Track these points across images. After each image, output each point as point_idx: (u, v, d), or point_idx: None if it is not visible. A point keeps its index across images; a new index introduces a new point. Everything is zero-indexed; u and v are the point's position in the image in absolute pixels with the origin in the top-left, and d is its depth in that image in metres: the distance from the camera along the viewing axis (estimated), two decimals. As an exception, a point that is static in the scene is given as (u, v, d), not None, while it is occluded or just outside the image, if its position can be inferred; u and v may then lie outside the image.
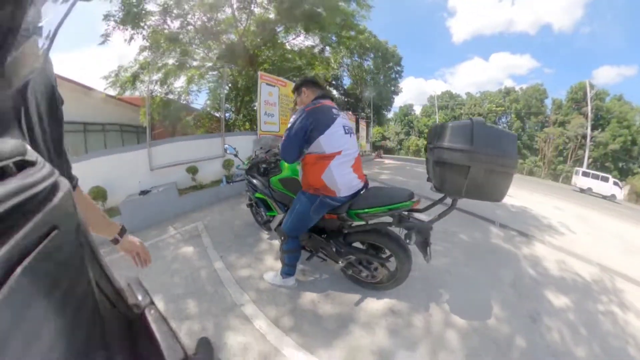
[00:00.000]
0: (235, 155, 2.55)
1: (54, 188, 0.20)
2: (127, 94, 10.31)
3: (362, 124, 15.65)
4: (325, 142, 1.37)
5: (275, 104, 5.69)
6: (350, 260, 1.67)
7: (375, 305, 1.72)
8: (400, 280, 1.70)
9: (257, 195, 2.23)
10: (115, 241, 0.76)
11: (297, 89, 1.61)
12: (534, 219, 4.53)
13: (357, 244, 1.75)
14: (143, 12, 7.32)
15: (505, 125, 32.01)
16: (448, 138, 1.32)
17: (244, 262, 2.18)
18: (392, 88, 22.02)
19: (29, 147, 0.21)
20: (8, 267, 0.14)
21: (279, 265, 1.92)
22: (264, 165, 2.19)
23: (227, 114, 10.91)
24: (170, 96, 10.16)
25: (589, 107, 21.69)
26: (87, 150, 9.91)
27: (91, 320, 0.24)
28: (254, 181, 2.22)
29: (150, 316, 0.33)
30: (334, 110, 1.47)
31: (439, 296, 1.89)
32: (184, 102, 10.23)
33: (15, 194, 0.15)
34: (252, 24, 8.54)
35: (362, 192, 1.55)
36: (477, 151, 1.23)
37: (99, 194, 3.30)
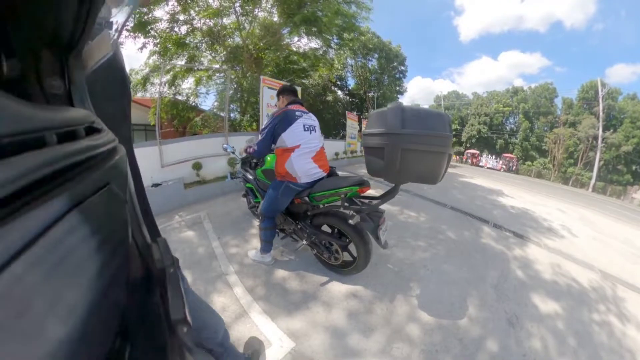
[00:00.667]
0: (233, 153, 2.73)
1: (112, 151, 0.25)
2: (138, 95, 10.59)
3: (365, 124, 15.49)
4: (287, 137, 1.67)
5: (277, 106, 5.71)
6: (314, 240, 1.87)
7: (339, 288, 1.85)
8: (360, 266, 1.79)
9: (247, 185, 2.52)
10: None
11: (277, 96, 1.94)
12: (534, 221, 4.34)
13: (326, 228, 1.91)
14: (152, 19, 7.53)
15: (513, 126, 31.08)
16: (368, 124, 1.45)
17: (235, 242, 2.50)
18: (397, 88, 21.78)
19: (96, 117, 0.25)
20: (67, 207, 0.17)
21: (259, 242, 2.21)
22: (254, 160, 2.46)
23: (232, 115, 11.09)
24: (179, 97, 10.39)
25: (600, 107, 20.81)
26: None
27: (121, 264, 0.27)
28: (246, 173, 2.50)
29: (168, 274, 0.36)
30: (298, 113, 1.73)
31: (408, 289, 1.90)
32: (193, 104, 10.47)
33: (81, 152, 0.19)
34: (257, 27, 8.63)
35: (322, 179, 1.77)
36: (390, 132, 1.26)
37: None
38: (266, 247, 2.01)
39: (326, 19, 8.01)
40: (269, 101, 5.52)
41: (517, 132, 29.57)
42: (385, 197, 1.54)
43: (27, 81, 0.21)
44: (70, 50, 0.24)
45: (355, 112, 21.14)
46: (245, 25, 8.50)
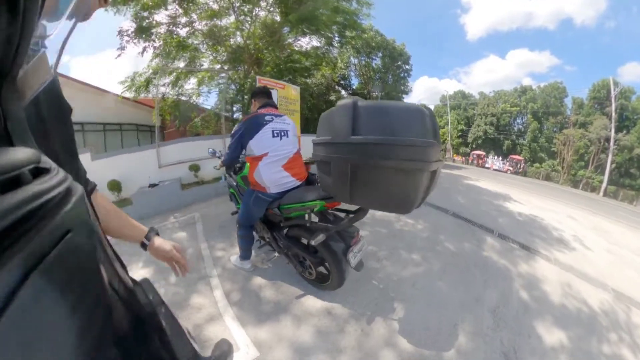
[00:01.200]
0: (219, 158, 2.62)
1: (67, 193, 0.21)
2: (142, 96, 10.72)
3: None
4: (254, 145, 1.59)
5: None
6: (287, 252, 1.82)
7: (314, 303, 1.75)
8: (334, 283, 1.66)
9: (231, 190, 2.48)
10: (143, 245, 0.68)
11: (250, 99, 1.89)
12: (543, 230, 3.98)
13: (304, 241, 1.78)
14: (153, 23, 7.56)
15: (521, 126, 30.28)
16: (317, 132, 1.17)
17: (222, 245, 2.57)
18: (402, 87, 21.42)
19: (43, 155, 0.22)
20: (25, 272, 0.14)
21: None
22: (237, 165, 2.37)
23: (236, 115, 11.05)
24: (183, 98, 10.48)
25: (613, 107, 19.99)
26: (106, 148, 10.38)
27: (104, 319, 0.25)
28: (229, 178, 2.48)
29: (161, 315, 0.34)
30: (268, 117, 1.62)
31: (390, 311, 1.72)
32: (194, 103, 10.52)
33: (31, 200, 0.16)
34: (258, 27, 8.54)
35: (294, 189, 1.65)
36: (334, 141, 0.95)
37: (115, 186, 3.81)
38: (245, 254, 2.00)
39: (324, 17, 7.87)
40: (266, 102, 5.38)
41: (525, 133, 28.80)
42: (353, 218, 1.36)
43: None
44: (2, 79, 0.21)
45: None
46: (246, 25, 8.42)
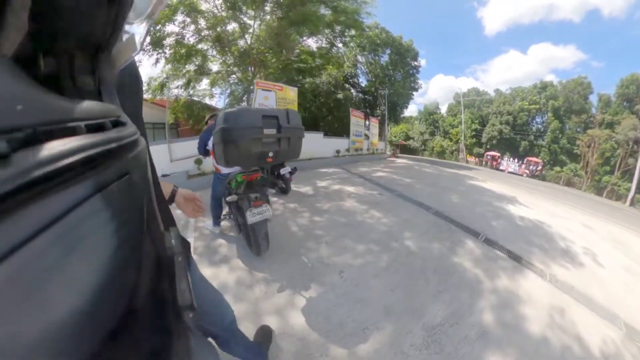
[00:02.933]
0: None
1: (134, 143, 0.26)
2: (157, 97, 11.45)
3: (374, 122, 14.91)
4: (210, 142, 2.21)
5: (272, 106, 5.66)
6: (233, 219, 2.45)
7: (246, 262, 2.12)
8: (253, 249, 2.05)
9: None
10: (173, 194, 0.88)
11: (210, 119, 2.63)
12: (546, 239, 3.36)
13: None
14: (165, 35, 8.11)
15: (540, 126, 28.32)
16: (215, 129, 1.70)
17: (205, 218, 2.96)
18: (412, 84, 20.79)
19: (122, 112, 0.28)
20: (92, 192, 0.19)
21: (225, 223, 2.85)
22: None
23: None
24: (195, 98, 11.04)
25: (645, 106, 18.17)
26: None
27: (133, 249, 0.30)
28: None
29: (176, 262, 0.40)
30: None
31: (303, 287, 1.82)
32: (206, 104, 11.05)
33: (108, 142, 0.21)
34: (263, 29, 8.69)
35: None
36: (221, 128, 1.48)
37: None
38: (215, 221, 2.64)
39: (325, 17, 7.96)
40: (262, 101, 5.52)
41: (545, 133, 26.83)
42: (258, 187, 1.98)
43: (62, 77, 0.24)
44: (101, 51, 0.27)
45: (367, 110, 20.60)
46: (251, 29, 8.62)
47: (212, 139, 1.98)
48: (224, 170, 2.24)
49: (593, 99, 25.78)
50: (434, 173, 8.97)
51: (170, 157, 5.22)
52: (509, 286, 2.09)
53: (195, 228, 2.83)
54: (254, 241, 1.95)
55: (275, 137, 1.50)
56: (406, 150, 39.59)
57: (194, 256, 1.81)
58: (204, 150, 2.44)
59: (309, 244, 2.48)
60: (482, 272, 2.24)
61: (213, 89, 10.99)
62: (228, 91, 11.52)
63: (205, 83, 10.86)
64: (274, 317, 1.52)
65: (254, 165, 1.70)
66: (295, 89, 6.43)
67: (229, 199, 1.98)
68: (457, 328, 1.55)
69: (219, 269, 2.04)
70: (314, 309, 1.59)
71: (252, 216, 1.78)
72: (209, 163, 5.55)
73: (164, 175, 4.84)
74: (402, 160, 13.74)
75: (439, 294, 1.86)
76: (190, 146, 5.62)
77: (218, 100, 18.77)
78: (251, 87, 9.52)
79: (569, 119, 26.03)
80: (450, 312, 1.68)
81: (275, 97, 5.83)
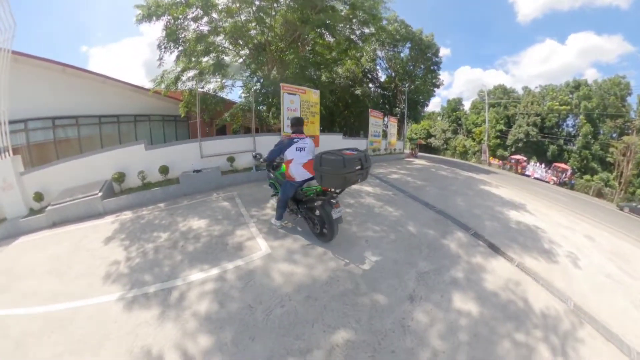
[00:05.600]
0: (259, 159, 4.19)
1: None
2: (171, 89, 12.46)
3: (393, 121, 16.07)
4: (287, 154, 3.28)
5: (297, 109, 7.00)
6: (304, 216, 3.50)
7: (307, 238, 3.57)
8: (328, 236, 3.25)
9: (270, 180, 4.12)
10: None
11: (290, 126, 3.76)
12: (534, 240, 4.19)
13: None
14: (182, 30, 9.51)
15: (571, 129, 28.83)
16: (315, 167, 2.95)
17: (255, 210, 4.64)
18: (433, 80, 21.87)
19: None
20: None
21: (270, 211, 4.47)
22: (275, 164, 4.00)
23: (260, 107, 12.54)
24: (211, 91, 11.97)
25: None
26: (137, 137, 12.51)
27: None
28: (269, 173, 4.06)
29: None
30: (295, 140, 3.29)
31: (344, 249, 3.34)
32: (222, 97, 12.08)
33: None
34: (278, 20, 9.82)
35: (308, 179, 3.29)
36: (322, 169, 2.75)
37: (164, 169, 5.94)
38: (279, 216, 3.74)
39: (342, 12, 9.12)
40: (289, 105, 6.82)
41: (576, 137, 27.22)
42: (329, 196, 3.10)
43: None
44: None
45: (386, 106, 21.68)
46: (267, 20, 9.71)
47: (291, 150, 3.18)
48: (299, 179, 3.27)
49: (632, 100, 25.81)
50: (448, 176, 10.08)
51: (201, 154, 6.44)
52: (479, 262, 3.29)
53: (250, 217, 4.32)
54: (329, 230, 3.13)
55: (360, 171, 2.77)
56: (427, 149, 39.98)
57: (261, 235, 3.59)
58: (276, 157, 3.43)
59: (343, 226, 3.82)
60: (462, 252, 3.50)
61: (224, 81, 12.01)
62: (240, 82, 12.57)
63: (218, 77, 11.93)
64: (332, 262, 3.06)
65: (346, 187, 2.90)
66: (317, 91, 7.68)
67: (317, 203, 3.11)
68: (437, 275, 2.93)
69: (286, 242, 3.50)
70: (352, 256, 3.22)
71: (335, 214, 2.99)
72: (241, 162, 7.06)
73: (195, 171, 6.03)
74: (419, 162, 14.74)
75: (428, 258, 3.23)
76: (219, 144, 6.90)
77: (229, 92, 19.91)
78: (256, 85, 10.75)
79: (603, 123, 26.22)
80: (434, 267, 3.05)
81: (299, 100, 7.11)
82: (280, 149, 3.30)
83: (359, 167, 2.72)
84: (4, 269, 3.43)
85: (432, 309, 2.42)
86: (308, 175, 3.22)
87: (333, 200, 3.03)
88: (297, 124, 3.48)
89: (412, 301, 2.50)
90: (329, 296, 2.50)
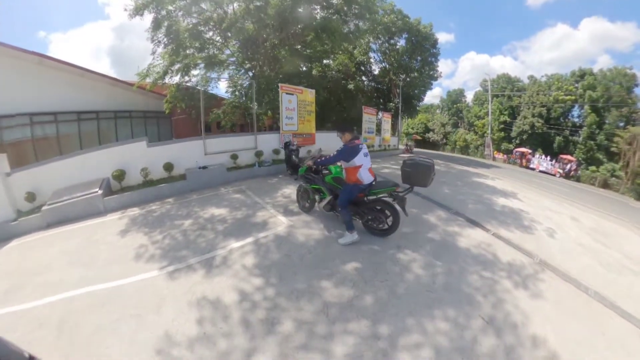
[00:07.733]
0: (292, 148, 5.84)
1: None
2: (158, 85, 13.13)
3: (387, 117, 17.41)
4: (356, 160, 3.82)
5: (294, 109, 8.27)
6: (368, 216, 4.17)
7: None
8: (393, 230, 4.05)
9: (313, 186, 4.71)
10: None
11: (341, 132, 4.03)
12: (515, 219, 5.33)
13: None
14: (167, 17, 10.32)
15: (578, 120, 30.70)
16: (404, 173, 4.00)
17: (268, 198, 6.10)
18: (430, 72, 23.35)
19: None
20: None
21: (282, 198, 6.06)
22: (325, 171, 4.58)
23: (252, 104, 13.55)
24: (199, 87, 12.58)
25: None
26: (117, 136, 13.31)
27: None
28: (310, 178, 4.69)
29: None
30: (360, 146, 3.87)
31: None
32: (212, 93, 12.80)
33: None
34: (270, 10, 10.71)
35: (373, 183, 4.00)
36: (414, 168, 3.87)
37: (169, 166, 7.02)
38: (350, 225, 3.97)
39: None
40: (287, 105, 8.06)
41: (581, 127, 29.02)
42: (407, 192, 3.92)
43: None
44: None
45: (380, 100, 23.03)
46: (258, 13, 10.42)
47: (360, 157, 3.72)
48: (366, 182, 3.83)
49: (639, 92, 27.39)
50: (440, 170, 11.28)
51: (205, 151, 7.61)
52: (456, 230, 4.62)
53: (266, 202, 5.77)
54: (395, 222, 3.97)
55: (434, 174, 3.83)
56: (425, 144, 41.86)
57: (280, 213, 5.02)
58: (335, 161, 4.03)
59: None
60: (441, 224, 4.87)
61: (209, 74, 12.58)
62: (226, 76, 13.32)
63: (201, 67, 12.49)
64: (338, 229, 4.37)
65: (427, 185, 3.84)
66: (313, 91, 8.93)
67: (396, 201, 3.87)
68: (416, 235, 4.38)
69: (306, 218, 4.88)
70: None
71: (406, 209, 3.84)
72: (244, 158, 8.16)
73: (201, 167, 7.11)
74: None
75: (410, 226, 4.60)
76: (221, 142, 8.12)
77: (214, 87, 20.51)
78: (261, 86, 11.76)
79: (609, 112, 27.93)
80: (413, 231, 4.48)
81: (297, 99, 8.36)
82: (345, 156, 3.81)
83: (434, 172, 3.93)
84: (7, 270, 3.81)
85: (413, 253, 3.78)
86: (372, 178, 3.93)
87: (404, 198, 3.87)
88: (351, 131, 3.97)
89: (398, 248, 3.93)
90: (339, 245, 3.97)
